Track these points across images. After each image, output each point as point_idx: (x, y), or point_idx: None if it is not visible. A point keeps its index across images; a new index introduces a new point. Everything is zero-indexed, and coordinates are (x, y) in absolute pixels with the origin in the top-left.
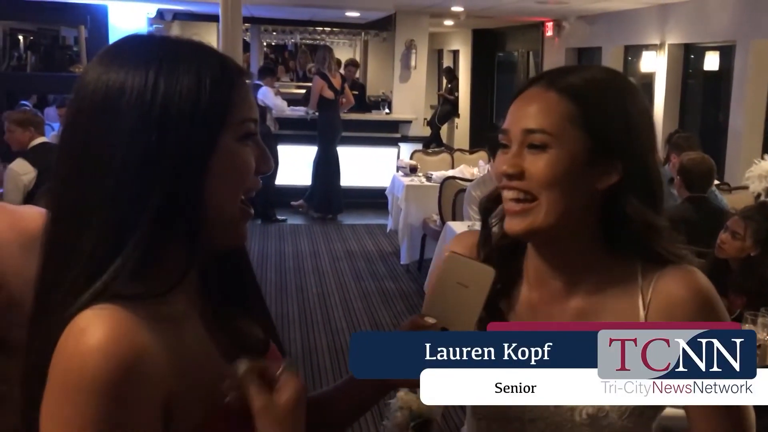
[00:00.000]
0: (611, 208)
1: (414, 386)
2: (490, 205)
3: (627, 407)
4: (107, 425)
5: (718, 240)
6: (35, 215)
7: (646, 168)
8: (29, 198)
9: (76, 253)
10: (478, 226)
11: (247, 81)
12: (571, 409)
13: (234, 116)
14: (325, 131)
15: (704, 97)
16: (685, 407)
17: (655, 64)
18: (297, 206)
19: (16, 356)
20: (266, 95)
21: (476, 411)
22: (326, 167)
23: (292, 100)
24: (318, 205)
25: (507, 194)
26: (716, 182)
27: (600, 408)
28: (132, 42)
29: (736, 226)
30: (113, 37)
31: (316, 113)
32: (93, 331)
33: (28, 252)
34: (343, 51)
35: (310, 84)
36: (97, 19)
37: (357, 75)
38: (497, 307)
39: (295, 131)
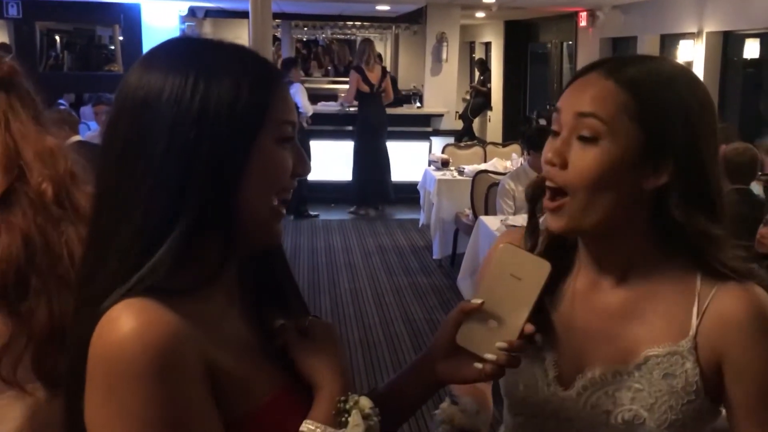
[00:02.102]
0: (662, 210)
1: (462, 382)
2: (536, 192)
3: (667, 418)
4: (159, 408)
5: (757, 234)
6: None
7: (701, 169)
8: None
9: (115, 246)
10: (511, 220)
11: (286, 84)
12: (607, 412)
13: (272, 117)
14: (361, 125)
15: (744, 86)
16: (728, 411)
17: (692, 53)
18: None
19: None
20: (296, 93)
21: (513, 408)
22: (362, 161)
23: (324, 96)
24: (355, 198)
25: (547, 184)
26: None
27: (637, 414)
28: (173, 45)
29: None
30: (146, 36)
31: (348, 108)
32: (125, 320)
33: None
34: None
35: (340, 78)
36: (130, 18)
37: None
38: (541, 298)
39: (328, 126)
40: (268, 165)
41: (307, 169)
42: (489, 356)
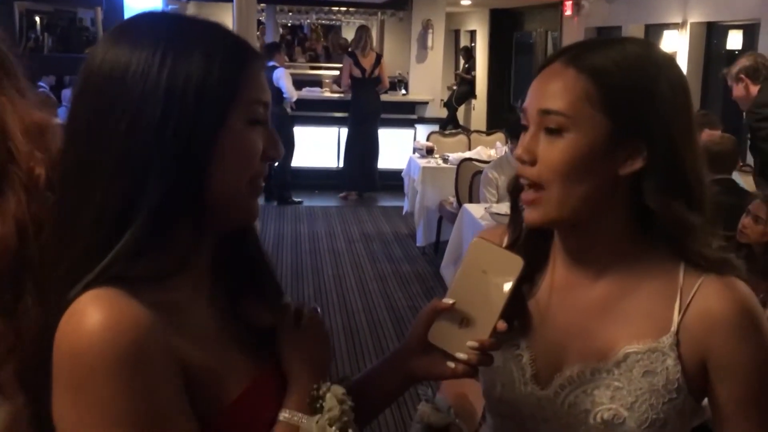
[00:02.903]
0: (639, 198)
1: (435, 379)
2: (517, 185)
3: (648, 417)
4: (130, 404)
5: (739, 225)
6: None
7: (675, 154)
8: None
9: (79, 229)
10: (495, 208)
11: (260, 64)
12: (586, 411)
13: (243, 97)
14: (352, 111)
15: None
16: (712, 410)
17: (676, 43)
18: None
19: None
20: (281, 78)
21: (491, 408)
22: (352, 146)
23: (308, 82)
24: (346, 183)
25: (522, 181)
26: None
27: (617, 414)
28: (142, 19)
29: (758, 210)
30: None
31: (335, 94)
32: (91, 313)
33: None
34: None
35: (324, 64)
36: (113, 1)
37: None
38: (519, 293)
39: (312, 112)
40: (237, 147)
41: (279, 153)
42: (460, 355)
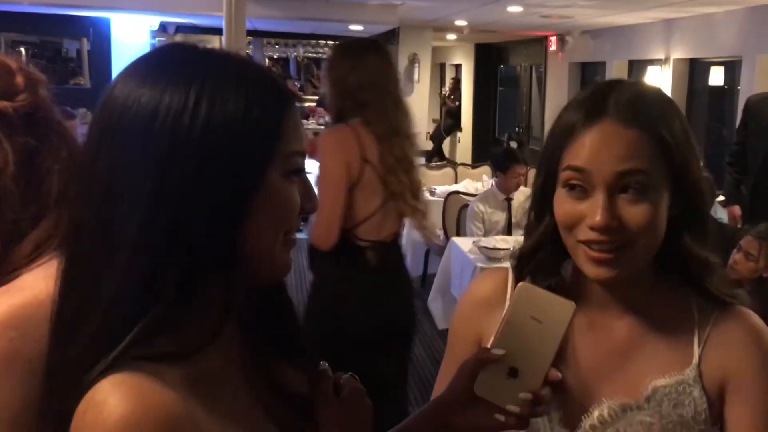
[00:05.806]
0: (668, 241)
1: None
2: (525, 260)
3: None
4: None
5: (730, 260)
6: None
7: (700, 196)
8: None
9: (95, 304)
10: (483, 241)
11: (299, 109)
12: None
13: (283, 148)
14: None
15: (709, 112)
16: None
17: (659, 78)
18: None
19: None
20: None
21: None
22: None
23: None
24: None
25: (596, 245)
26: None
27: None
28: (171, 53)
29: (749, 247)
30: (115, 50)
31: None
32: (115, 404)
33: None
34: None
35: (307, 96)
36: (100, 32)
37: None
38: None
39: None
40: (274, 205)
41: (316, 205)
42: (512, 408)
